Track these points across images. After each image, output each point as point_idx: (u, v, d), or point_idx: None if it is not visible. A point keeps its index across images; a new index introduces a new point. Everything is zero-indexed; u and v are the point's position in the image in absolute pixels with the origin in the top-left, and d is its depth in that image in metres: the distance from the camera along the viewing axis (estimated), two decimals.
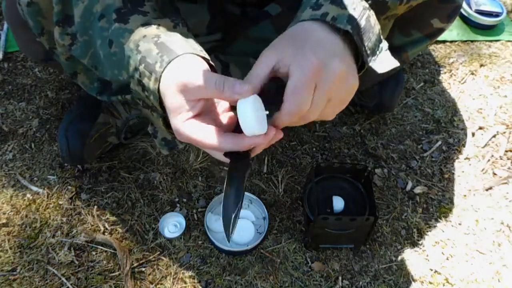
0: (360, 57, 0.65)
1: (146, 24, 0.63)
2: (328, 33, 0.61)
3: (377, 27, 0.67)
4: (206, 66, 0.59)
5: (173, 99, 0.58)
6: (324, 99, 0.58)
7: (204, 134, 0.57)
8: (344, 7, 0.64)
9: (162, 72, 0.58)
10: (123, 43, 0.62)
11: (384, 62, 0.72)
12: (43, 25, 0.73)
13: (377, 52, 0.69)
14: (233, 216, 0.58)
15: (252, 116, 0.55)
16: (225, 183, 0.59)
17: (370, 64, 0.67)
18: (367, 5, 0.67)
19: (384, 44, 0.71)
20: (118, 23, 0.64)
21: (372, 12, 0.67)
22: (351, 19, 0.63)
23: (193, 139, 0.57)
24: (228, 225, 0.58)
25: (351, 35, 0.62)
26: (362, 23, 0.64)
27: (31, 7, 0.71)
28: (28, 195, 1.05)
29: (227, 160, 0.60)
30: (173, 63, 0.58)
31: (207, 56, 0.62)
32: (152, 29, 0.62)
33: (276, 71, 0.59)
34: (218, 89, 0.56)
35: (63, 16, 0.69)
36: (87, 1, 0.66)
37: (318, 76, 0.57)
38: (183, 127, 0.58)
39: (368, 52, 0.65)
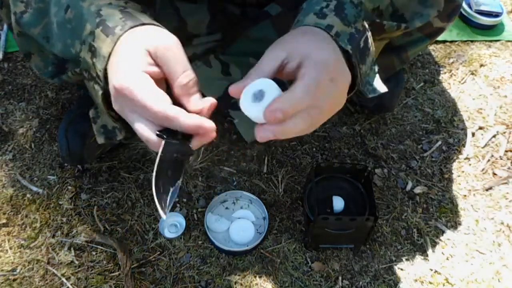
0: (355, 78, 0.64)
1: None
2: (333, 42, 0.60)
3: (372, 49, 0.66)
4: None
5: (134, 53, 0.53)
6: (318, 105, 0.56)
7: (157, 94, 0.52)
8: (347, 23, 0.62)
9: (122, 35, 0.54)
10: (83, 7, 0.59)
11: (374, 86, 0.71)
12: None
13: (370, 74, 0.68)
14: (171, 190, 0.55)
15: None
16: (156, 164, 0.54)
17: (362, 87, 0.66)
18: (367, 25, 0.66)
19: (376, 67, 0.70)
20: None
21: (370, 34, 0.66)
22: (352, 39, 0.61)
23: (141, 96, 0.52)
24: (164, 199, 0.54)
25: (349, 55, 0.61)
26: (361, 44, 0.63)
27: None
28: (28, 195, 1.05)
29: (156, 143, 0.54)
30: (140, 28, 0.55)
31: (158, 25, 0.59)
32: (120, 1, 0.59)
33: (284, 65, 0.57)
34: (185, 75, 0.54)
35: None
36: None
37: (326, 80, 0.55)
38: (138, 78, 0.52)
39: (362, 74, 0.64)
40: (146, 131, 0.54)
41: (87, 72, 0.61)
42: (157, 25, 0.58)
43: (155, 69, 0.54)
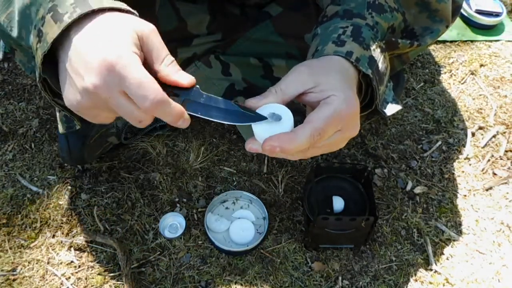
0: (371, 97, 0.66)
1: None
2: (354, 72, 0.63)
3: (388, 69, 0.68)
4: (125, 29, 0.52)
5: (122, 32, 0.51)
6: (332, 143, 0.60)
7: (150, 76, 0.50)
8: (366, 46, 0.64)
9: (69, 23, 0.52)
10: None
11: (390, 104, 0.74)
12: None
13: (386, 92, 0.70)
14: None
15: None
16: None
17: (380, 107, 0.68)
18: (383, 45, 0.67)
19: (390, 84, 0.72)
20: None
21: (386, 53, 0.67)
22: (372, 62, 0.64)
23: (138, 74, 0.49)
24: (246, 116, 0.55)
25: (369, 79, 0.63)
26: (380, 65, 0.65)
27: None
28: (28, 195, 1.05)
29: (148, 119, 0.53)
30: (115, 13, 0.53)
31: (130, 10, 0.56)
32: None
33: (307, 94, 0.59)
34: (169, 56, 0.53)
35: None
36: None
37: (333, 130, 0.58)
38: (132, 56, 0.50)
39: (381, 95, 0.66)
40: (138, 113, 0.51)
41: (26, 56, 0.58)
42: (118, 8, 0.54)
43: (139, 53, 0.52)
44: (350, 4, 0.70)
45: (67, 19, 0.52)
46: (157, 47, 0.53)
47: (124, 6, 0.55)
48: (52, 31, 0.52)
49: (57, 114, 0.70)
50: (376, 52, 0.65)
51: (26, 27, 0.59)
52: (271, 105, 0.57)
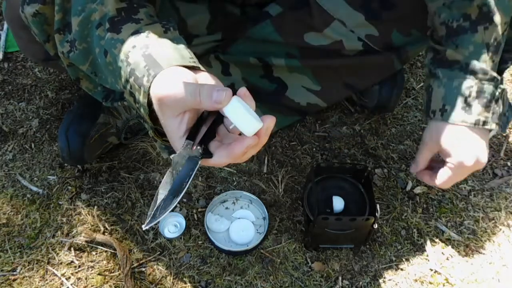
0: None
1: (136, 32, 0.63)
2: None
3: (507, 100, 0.80)
4: (188, 77, 0.57)
5: (161, 118, 0.58)
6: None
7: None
8: (488, 104, 0.75)
9: (149, 86, 0.58)
10: (115, 53, 0.62)
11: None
12: (48, 32, 0.74)
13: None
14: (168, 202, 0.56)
15: (245, 112, 0.53)
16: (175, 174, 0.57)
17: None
18: (503, 81, 0.77)
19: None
20: (110, 32, 0.64)
21: (505, 88, 0.78)
22: (498, 118, 0.77)
23: None
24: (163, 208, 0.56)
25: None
26: (507, 113, 0.80)
27: (37, 17, 0.72)
28: (28, 195, 1.05)
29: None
30: (157, 78, 0.58)
31: (195, 64, 0.61)
32: (142, 38, 0.62)
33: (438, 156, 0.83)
34: (195, 99, 0.54)
35: (64, 24, 0.70)
36: (86, 10, 0.66)
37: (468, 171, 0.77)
38: (178, 145, 0.57)
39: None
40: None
41: (135, 110, 0.66)
42: (174, 65, 0.59)
43: (181, 131, 0.57)
44: (468, 48, 0.75)
45: (146, 84, 0.58)
46: (184, 101, 0.56)
47: (187, 62, 0.60)
48: (141, 96, 0.59)
49: (156, 143, 0.74)
50: (499, 105, 0.76)
51: (111, 77, 0.67)
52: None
